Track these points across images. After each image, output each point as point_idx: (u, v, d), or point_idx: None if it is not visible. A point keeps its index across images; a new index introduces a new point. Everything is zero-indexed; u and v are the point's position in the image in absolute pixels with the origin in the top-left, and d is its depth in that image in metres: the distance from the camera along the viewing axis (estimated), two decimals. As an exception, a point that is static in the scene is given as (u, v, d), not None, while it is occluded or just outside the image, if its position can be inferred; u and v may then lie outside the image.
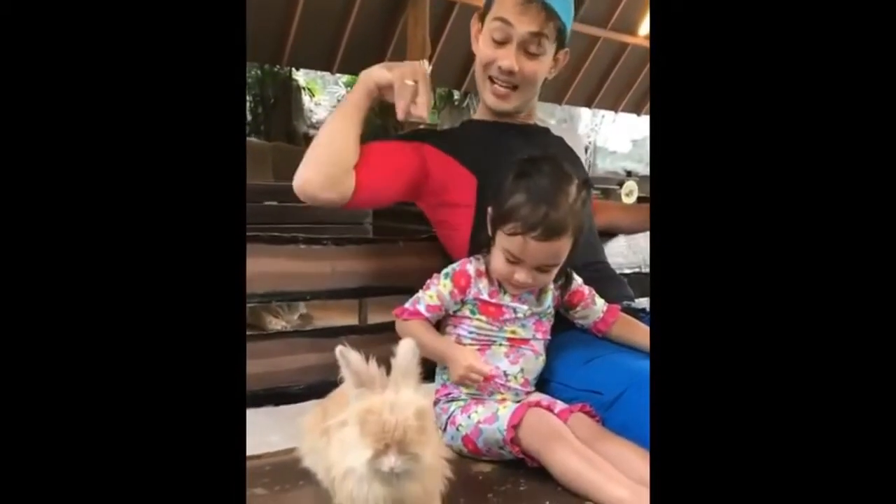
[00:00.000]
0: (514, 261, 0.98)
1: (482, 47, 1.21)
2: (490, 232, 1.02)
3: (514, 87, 1.20)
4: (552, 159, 1.01)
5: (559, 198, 0.96)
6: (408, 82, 1.05)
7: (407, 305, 1.05)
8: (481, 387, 1.02)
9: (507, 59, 1.17)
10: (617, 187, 4.13)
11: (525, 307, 1.04)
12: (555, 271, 1.02)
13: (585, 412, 0.98)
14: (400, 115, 1.06)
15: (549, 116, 8.52)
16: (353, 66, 6.09)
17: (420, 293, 1.05)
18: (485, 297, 1.03)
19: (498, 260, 1.01)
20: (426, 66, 1.10)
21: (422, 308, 1.03)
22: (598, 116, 8.91)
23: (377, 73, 1.09)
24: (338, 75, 6.98)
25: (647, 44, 6.81)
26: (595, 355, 1.07)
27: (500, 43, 1.17)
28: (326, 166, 1.06)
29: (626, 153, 9.18)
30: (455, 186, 1.17)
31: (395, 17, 5.55)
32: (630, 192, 3.98)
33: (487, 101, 1.24)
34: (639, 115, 7.91)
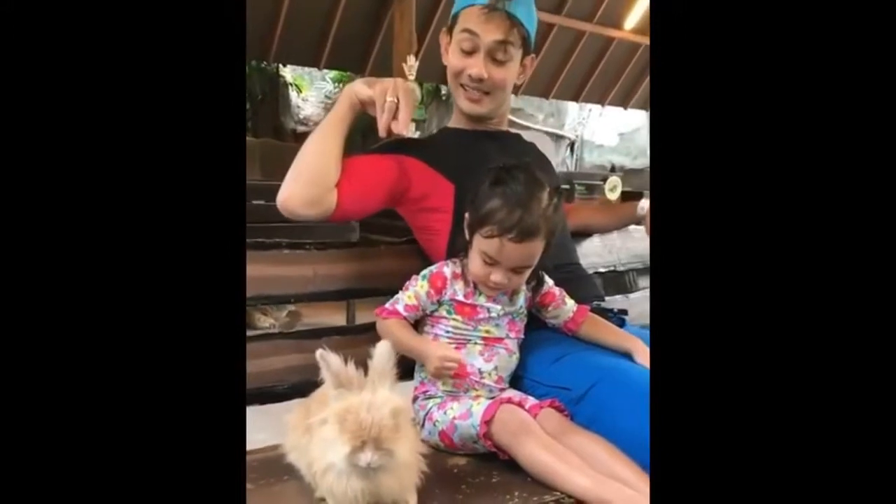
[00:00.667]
0: (490, 262, 1.03)
1: (452, 58, 1.26)
2: (467, 236, 1.07)
3: (486, 93, 1.26)
4: (525, 167, 1.06)
5: (532, 203, 1.02)
6: (389, 98, 1.08)
7: (387, 305, 1.10)
8: (457, 383, 1.07)
9: (476, 67, 1.22)
10: (601, 183, 4.18)
11: (498, 307, 1.09)
12: (528, 272, 1.07)
13: (555, 407, 1.04)
14: (382, 132, 1.09)
15: (536, 111, 8.56)
16: (340, 62, 6.11)
17: (399, 294, 1.10)
18: (460, 297, 1.08)
19: (475, 262, 1.06)
20: (409, 83, 1.14)
21: (400, 308, 1.08)
22: (585, 110, 8.94)
23: (359, 89, 1.12)
24: (325, 71, 7.00)
25: (632, 38, 6.85)
26: (564, 353, 1.12)
27: (469, 53, 1.23)
28: (309, 185, 1.10)
29: (614, 146, 9.21)
30: (434, 194, 1.22)
31: (382, 13, 5.56)
32: (614, 188, 4.03)
33: (462, 107, 1.29)
34: (625, 108, 7.96)
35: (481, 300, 1.09)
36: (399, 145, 1.22)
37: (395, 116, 1.09)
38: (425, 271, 1.12)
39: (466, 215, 1.08)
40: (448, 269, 1.11)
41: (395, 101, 1.09)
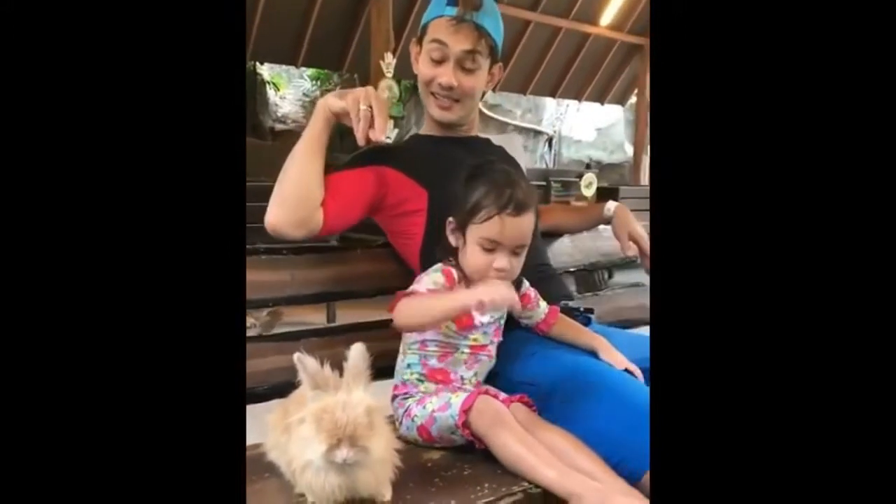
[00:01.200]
0: (491, 247, 1.06)
1: (422, 67, 1.31)
2: (453, 241, 1.10)
3: (456, 101, 1.31)
4: (494, 162, 1.13)
5: (518, 179, 1.08)
6: (363, 107, 1.11)
7: (410, 289, 1.07)
8: (438, 388, 1.09)
9: (446, 76, 1.27)
10: (577, 179, 4.25)
11: (486, 318, 1.12)
12: (524, 255, 1.11)
13: (524, 402, 1.09)
14: (360, 141, 1.12)
15: (514, 106, 8.61)
16: (317, 60, 6.10)
17: (415, 284, 1.09)
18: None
19: (474, 257, 1.08)
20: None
21: (422, 289, 1.07)
22: (563, 106, 9.02)
23: (331, 102, 1.15)
24: (303, 69, 6.98)
25: (608, 33, 6.93)
26: (534, 351, 1.18)
27: (439, 62, 1.28)
28: (296, 209, 1.13)
29: (591, 141, 9.30)
30: (409, 200, 1.26)
31: (359, 11, 5.56)
32: (589, 184, 4.11)
33: (433, 115, 1.34)
34: (602, 104, 8.04)
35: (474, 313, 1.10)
36: (375, 155, 1.26)
37: (371, 124, 1.11)
38: (431, 270, 1.12)
39: (451, 219, 1.11)
40: (454, 271, 1.10)
41: (368, 109, 1.11)
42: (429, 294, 1.05)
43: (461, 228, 1.09)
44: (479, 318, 1.09)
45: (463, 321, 1.10)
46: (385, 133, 1.12)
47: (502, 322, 1.17)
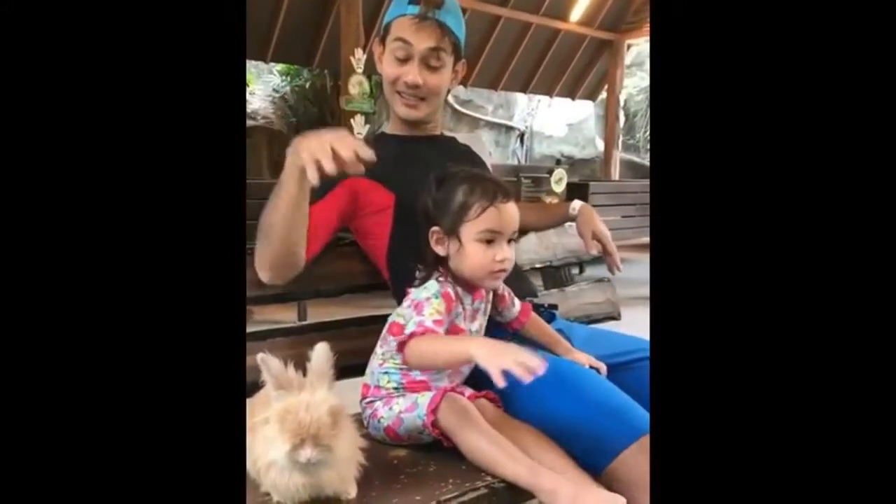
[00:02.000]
0: (491, 238, 1.07)
1: (387, 67, 1.32)
2: (451, 239, 1.09)
3: (422, 99, 1.32)
4: (460, 168, 1.14)
5: (488, 174, 1.12)
6: (325, 153, 0.95)
7: (413, 328, 1.03)
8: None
9: (411, 74, 1.28)
10: (547, 175, 4.29)
11: (475, 325, 1.13)
12: (514, 245, 1.12)
13: (489, 399, 1.11)
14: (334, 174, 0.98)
15: (486, 102, 8.63)
16: (287, 55, 6.05)
17: (415, 317, 1.05)
18: (460, 322, 1.09)
19: (475, 253, 1.07)
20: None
21: (429, 324, 1.03)
22: (534, 101, 9.07)
23: (295, 160, 1.00)
24: (272, 64, 6.90)
25: (578, 29, 6.98)
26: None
27: (403, 61, 1.29)
28: (287, 267, 1.13)
29: (563, 137, 9.37)
30: (375, 202, 1.27)
31: (328, 6, 5.52)
32: (560, 180, 4.15)
33: (399, 113, 1.35)
34: (573, 99, 8.10)
35: (469, 325, 1.12)
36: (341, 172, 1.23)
37: (343, 161, 0.96)
38: (427, 294, 1.08)
39: (435, 229, 1.09)
40: (450, 289, 1.08)
41: (329, 150, 0.96)
42: (436, 338, 1.02)
43: (452, 232, 1.08)
44: (469, 326, 1.11)
45: (456, 332, 1.08)
46: (358, 166, 0.99)
47: (483, 327, 1.18)
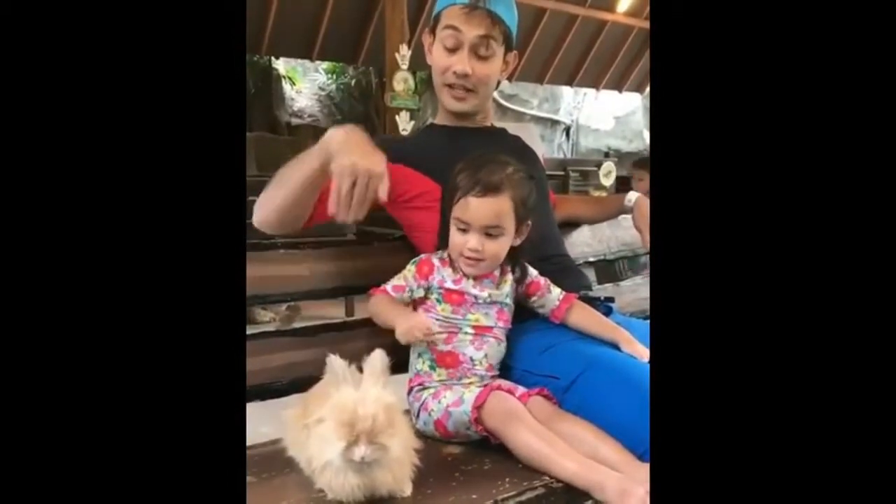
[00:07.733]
0: (463, 228, 1.10)
1: (436, 57, 1.30)
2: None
3: (470, 90, 1.30)
4: (493, 154, 1.15)
5: (493, 166, 1.10)
6: (345, 188, 0.97)
7: (384, 286, 1.16)
8: (451, 373, 1.11)
9: (461, 63, 1.26)
10: (595, 168, 4.21)
11: (485, 293, 1.14)
12: (502, 241, 1.11)
13: (543, 396, 1.08)
14: (330, 210, 1.01)
15: (531, 96, 8.55)
16: (332, 53, 6.12)
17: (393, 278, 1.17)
18: (449, 284, 1.13)
19: (453, 236, 1.12)
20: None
21: (388, 287, 1.14)
22: (580, 94, 8.93)
23: (332, 160, 1.00)
24: (318, 62, 6.98)
25: (625, 20, 6.85)
26: (553, 343, 1.16)
27: (452, 50, 1.26)
28: (280, 223, 1.17)
29: (609, 130, 9.21)
30: (422, 195, 1.25)
31: (373, 3, 5.56)
32: (608, 173, 4.07)
33: (447, 105, 1.33)
34: (620, 92, 7.97)
35: (468, 286, 1.13)
36: (386, 153, 1.24)
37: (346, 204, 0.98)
38: (415, 258, 1.18)
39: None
40: (436, 257, 1.17)
41: (351, 189, 0.97)
42: (383, 301, 1.13)
43: (449, 212, 1.13)
44: (472, 291, 1.13)
45: (453, 298, 1.13)
46: (356, 217, 1.00)
47: (505, 308, 1.17)
